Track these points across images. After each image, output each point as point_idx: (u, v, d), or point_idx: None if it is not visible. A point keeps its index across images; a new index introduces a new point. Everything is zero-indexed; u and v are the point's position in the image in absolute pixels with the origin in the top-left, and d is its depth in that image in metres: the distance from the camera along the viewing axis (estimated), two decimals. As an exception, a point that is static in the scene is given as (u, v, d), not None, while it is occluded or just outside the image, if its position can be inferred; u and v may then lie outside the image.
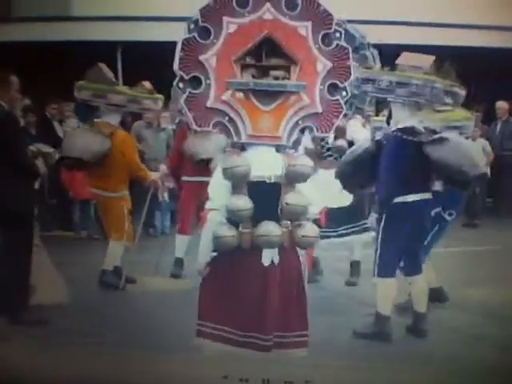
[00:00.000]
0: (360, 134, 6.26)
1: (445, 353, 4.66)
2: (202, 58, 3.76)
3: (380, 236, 4.98)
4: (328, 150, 6.44)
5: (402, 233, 4.91)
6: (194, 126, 3.89)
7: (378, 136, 5.20)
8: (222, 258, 3.85)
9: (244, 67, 3.83)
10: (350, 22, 5.81)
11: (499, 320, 5.40)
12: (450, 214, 5.63)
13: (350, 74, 3.87)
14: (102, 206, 6.44)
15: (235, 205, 3.73)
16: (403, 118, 4.95)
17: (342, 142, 6.29)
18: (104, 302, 5.81)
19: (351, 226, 6.39)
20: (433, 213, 5.20)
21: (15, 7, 10.47)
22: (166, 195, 7.63)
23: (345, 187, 5.46)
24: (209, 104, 3.79)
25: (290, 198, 3.76)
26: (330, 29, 3.84)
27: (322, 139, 6.37)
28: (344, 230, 6.41)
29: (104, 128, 6.11)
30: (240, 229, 3.76)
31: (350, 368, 3.84)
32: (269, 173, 3.78)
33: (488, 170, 7.67)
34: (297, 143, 5.00)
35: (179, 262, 6.54)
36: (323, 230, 6.35)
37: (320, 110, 3.85)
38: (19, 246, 5.02)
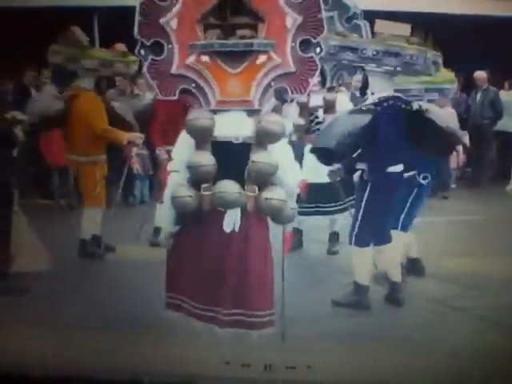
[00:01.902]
0: (348, 107, 6.24)
1: (422, 322, 4.72)
2: (162, 21, 3.59)
3: (363, 206, 4.94)
4: (317, 124, 6.41)
5: (382, 203, 4.90)
6: (160, 95, 3.71)
7: (365, 106, 4.99)
8: (185, 225, 3.71)
9: (208, 28, 3.66)
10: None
11: (476, 290, 5.45)
12: (425, 178, 5.56)
13: (323, 28, 3.69)
14: (77, 171, 6.39)
15: (196, 160, 3.57)
16: (381, 88, 4.89)
17: (331, 117, 6.27)
18: (83, 270, 5.81)
19: (338, 203, 6.40)
20: (405, 176, 5.10)
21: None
22: (139, 167, 7.42)
23: (325, 163, 5.28)
24: (173, 70, 3.63)
25: (257, 157, 3.60)
26: None
27: (312, 114, 6.35)
28: (331, 206, 6.43)
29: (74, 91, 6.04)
30: (202, 190, 3.59)
31: (351, 352, 3.86)
32: (236, 133, 3.63)
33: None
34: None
35: (159, 231, 6.53)
36: (310, 206, 6.40)
37: (293, 69, 3.68)
38: (-2, 213, 4.96)
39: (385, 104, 4.79)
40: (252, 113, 3.68)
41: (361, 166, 4.91)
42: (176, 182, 3.69)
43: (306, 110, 6.47)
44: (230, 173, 3.62)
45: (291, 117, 6.64)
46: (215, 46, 3.60)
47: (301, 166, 6.49)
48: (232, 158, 3.61)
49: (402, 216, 5.38)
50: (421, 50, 4.72)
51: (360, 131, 4.63)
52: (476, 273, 5.90)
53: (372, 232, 5.00)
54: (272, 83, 3.68)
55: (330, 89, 6.42)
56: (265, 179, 3.64)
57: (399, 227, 5.37)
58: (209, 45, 3.60)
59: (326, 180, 6.32)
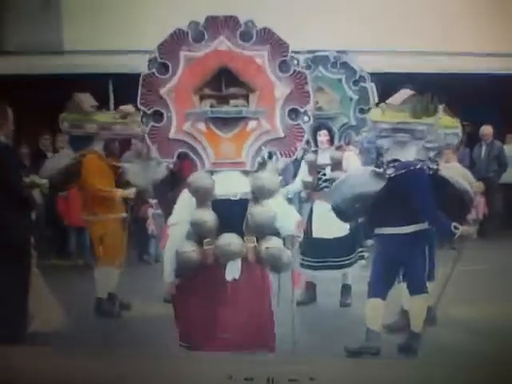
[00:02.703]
0: (356, 165, 6.43)
1: (433, 370, 4.78)
2: (161, 92, 3.91)
3: (372, 260, 5.17)
4: (325, 181, 6.59)
5: (393, 258, 5.05)
6: (159, 158, 4.06)
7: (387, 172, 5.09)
8: (188, 277, 3.94)
9: (203, 98, 3.96)
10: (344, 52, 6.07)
11: (485, 338, 5.50)
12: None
13: (310, 99, 3.99)
14: (90, 231, 6.54)
15: (199, 217, 3.84)
16: (398, 152, 5.02)
17: (338, 174, 6.45)
18: (100, 328, 5.88)
19: (348, 256, 6.51)
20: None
21: (6, 42, 10.69)
22: (154, 228, 7.58)
23: (344, 220, 5.49)
24: (171, 135, 3.94)
25: (254, 210, 3.89)
26: (286, 56, 3.95)
27: (319, 171, 6.54)
28: (341, 260, 6.52)
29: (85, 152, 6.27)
30: (204, 245, 3.86)
31: (354, 364, 3.92)
32: (234, 191, 3.91)
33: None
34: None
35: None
36: (320, 260, 6.54)
37: (282, 134, 3.98)
38: (18, 275, 5.12)
39: (407, 168, 4.96)
40: (246, 172, 3.99)
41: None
42: (177, 236, 3.94)
43: (314, 167, 6.67)
44: (229, 227, 3.88)
45: (300, 174, 6.85)
46: (209, 113, 3.92)
47: (310, 221, 6.73)
48: (231, 214, 3.88)
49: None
50: (429, 125, 4.89)
51: (372, 194, 4.88)
52: (485, 320, 6.00)
53: (407, 282, 5.17)
54: (263, 146, 4.00)
55: (339, 147, 6.63)
56: (263, 231, 3.91)
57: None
58: (203, 112, 3.92)
59: (334, 235, 6.48)
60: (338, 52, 6.70)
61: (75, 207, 6.60)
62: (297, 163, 7.36)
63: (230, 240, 3.85)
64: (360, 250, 6.51)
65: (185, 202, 3.96)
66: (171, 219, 4.04)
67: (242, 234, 3.91)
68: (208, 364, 3.80)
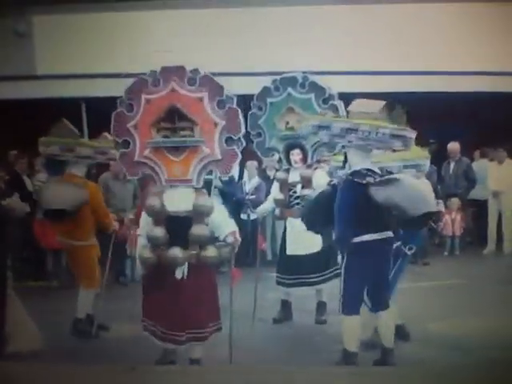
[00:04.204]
0: (325, 183, 6.55)
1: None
2: (128, 125, 5.01)
3: (342, 275, 5.16)
4: (296, 198, 6.71)
5: (363, 271, 5.06)
6: (128, 176, 5.26)
7: (334, 179, 5.46)
8: (151, 272, 5.07)
9: (159, 130, 5.00)
10: (312, 73, 6.29)
11: (461, 352, 5.60)
12: (410, 248, 5.80)
13: (241, 129, 4.94)
14: (70, 254, 6.57)
15: (153, 233, 5.01)
16: (356, 162, 5.12)
17: (308, 191, 6.56)
18: (76, 348, 5.91)
19: (321, 273, 6.57)
20: (393, 247, 5.31)
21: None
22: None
23: (308, 228, 5.61)
24: (136, 159, 5.04)
25: (194, 230, 4.96)
26: (222, 96, 4.92)
27: (290, 189, 6.68)
28: (315, 277, 6.59)
29: (73, 180, 6.29)
30: (158, 252, 4.97)
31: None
32: (181, 208, 4.96)
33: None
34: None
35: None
36: (294, 277, 6.62)
37: (219, 157, 4.96)
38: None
39: (343, 177, 5.12)
40: (195, 189, 5.01)
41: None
42: (142, 244, 5.12)
43: (285, 185, 6.78)
44: (177, 238, 4.97)
45: (272, 192, 6.96)
46: (160, 143, 5.00)
47: (284, 239, 6.82)
48: (179, 227, 4.96)
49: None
50: (374, 125, 4.95)
51: (314, 202, 5.21)
52: (458, 334, 6.08)
53: (370, 299, 5.18)
54: (205, 167, 5.00)
55: (309, 166, 6.74)
56: (201, 243, 5.00)
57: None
58: (157, 142, 5.01)
59: (308, 252, 6.58)
60: (304, 72, 6.82)
61: (51, 229, 6.61)
62: (270, 184, 7.47)
63: (175, 253, 4.94)
64: (335, 268, 6.54)
65: (144, 219, 5.13)
66: (138, 231, 5.25)
67: (187, 244, 4.96)
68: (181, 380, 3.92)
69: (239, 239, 5.12)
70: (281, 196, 6.77)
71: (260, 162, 10.14)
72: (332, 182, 5.36)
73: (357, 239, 5.03)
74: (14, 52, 10.25)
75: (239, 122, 4.93)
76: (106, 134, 6.33)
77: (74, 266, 6.59)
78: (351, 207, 5.02)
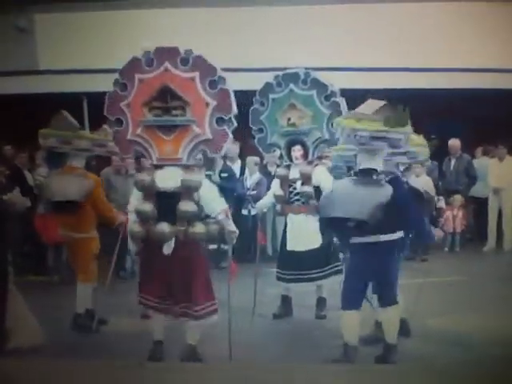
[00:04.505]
0: (325, 179, 6.56)
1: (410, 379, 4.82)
2: (121, 104, 5.10)
3: (345, 272, 5.24)
4: (296, 194, 6.71)
5: (365, 268, 5.08)
6: (122, 155, 5.44)
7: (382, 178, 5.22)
8: (142, 248, 5.23)
9: (151, 109, 5.08)
10: (314, 69, 6.28)
11: (461, 348, 5.61)
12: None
13: (231, 109, 4.98)
14: (70, 248, 6.58)
15: (140, 208, 5.10)
16: (362, 162, 5.14)
17: (308, 188, 6.57)
18: (77, 343, 5.93)
19: (321, 269, 6.58)
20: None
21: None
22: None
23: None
24: (128, 137, 5.14)
25: (181, 205, 5.02)
26: (214, 76, 4.95)
27: (290, 185, 6.68)
28: (314, 273, 6.60)
29: (74, 171, 6.29)
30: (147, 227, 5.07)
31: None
32: (170, 185, 5.04)
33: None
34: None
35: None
36: (294, 273, 6.63)
37: (210, 136, 5.02)
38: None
39: (388, 177, 5.10)
40: (184, 167, 5.07)
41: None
42: (132, 220, 5.21)
43: (286, 181, 6.78)
44: (166, 214, 5.06)
45: (272, 188, 6.97)
46: (152, 121, 5.08)
47: (284, 235, 6.83)
48: (168, 203, 5.04)
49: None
50: (353, 129, 4.98)
51: (386, 203, 4.95)
52: (459, 331, 6.10)
53: (378, 294, 5.22)
54: (196, 146, 5.06)
55: (309, 162, 6.75)
56: (189, 219, 5.05)
57: None
58: (149, 121, 5.09)
59: (308, 248, 6.59)
60: (306, 69, 6.82)
61: (52, 223, 6.61)
62: (271, 180, 7.48)
63: (162, 228, 5.02)
64: (336, 264, 6.57)
65: (134, 195, 5.22)
66: (128, 207, 5.33)
67: (175, 220, 5.02)
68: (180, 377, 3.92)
69: (230, 217, 5.21)
70: (281, 192, 6.78)
71: (261, 158, 10.15)
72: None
73: (356, 240, 5.06)
74: (16, 47, 10.28)
75: (230, 103, 4.97)
76: (105, 126, 6.33)
77: (72, 259, 6.59)
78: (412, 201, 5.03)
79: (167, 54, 5.00)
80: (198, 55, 4.98)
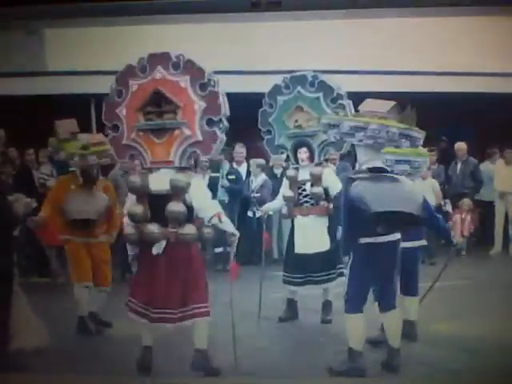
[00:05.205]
0: (333, 181, 6.55)
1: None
2: (117, 111, 5.19)
3: (348, 274, 5.16)
4: (305, 196, 6.70)
5: (368, 270, 5.05)
6: (116, 158, 5.40)
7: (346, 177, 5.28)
8: (139, 251, 5.19)
9: (145, 114, 5.15)
10: (321, 72, 6.24)
11: (468, 353, 5.56)
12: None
13: (221, 111, 5.01)
14: (68, 250, 6.57)
15: (132, 209, 5.10)
16: (365, 160, 5.10)
17: (318, 189, 6.55)
18: (82, 345, 5.94)
19: (328, 271, 6.57)
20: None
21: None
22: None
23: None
24: (123, 142, 5.21)
25: (170, 206, 5.01)
26: (204, 79, 5.01)
27: (299, 187, 6.66)
28: (322, 275, 6.58)
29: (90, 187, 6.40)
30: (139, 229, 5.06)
31: None
32: (162, 187, 5.02)
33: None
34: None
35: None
36: (301, 276, 6.61)
37: (200, 138, 5.04)
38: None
39: (370, 174, 5.02)
40: (177, 170, 5.08)
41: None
42: (126, 222, 5.18)
43: (295, 183, 6.77)
44: (157, 216, 5.05)
45: (281, 190, 6.95)
46: (144, 126, 5.14)
47: (292, 237, 6.81)
48: (161, 205, 5.01)
49: (402, 281, 5.55)
50: (383, 124, 4.96)
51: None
52: (465, 336, 6.06)
53: (378, 299, 5.16)
54: (187, 148, 5.08)
55: (318, 164, 6.75)
56: (178, 220, 5.02)
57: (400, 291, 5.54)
58: (141, 125, 5.15)
59: (317, 250, 6.57)
60: (314, 71, 6.82)
61: (53, 228, 6.63)
62: (277, 182, 7.46)
63: (152, 229, 5.03)
64: (340, 266, 6.54)
65: (129, 198, 5.24)
66: (123, 210, 5.37)
67: (166, 222, 5.00)
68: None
69: (224, 219, 5.16)
70: (291, 193, 6.76)
71: (267, 160, 10.14)
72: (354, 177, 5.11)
73: (365, 240, 5.02)
74: (25, 49, 10.30)
75: (220, 104, 4.99)
76: (94, 134, 6.54)
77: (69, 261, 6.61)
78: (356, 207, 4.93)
79: (159, 59, 5.09)
80: (188, 59, 5.05)
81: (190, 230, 5.06)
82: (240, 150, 10.19)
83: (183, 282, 5.05)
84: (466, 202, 10.66)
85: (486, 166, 11.23)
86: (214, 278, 5.62)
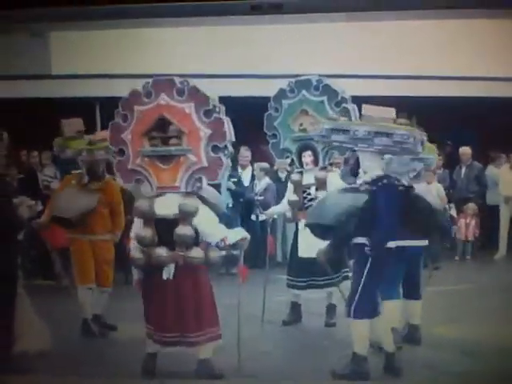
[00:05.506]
0: (338, 185, 6.54)
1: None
2: (123, 135, 5.20)
3: (363, 280, 5.03)
4: (310, 200, 6.69)
5: (384, 276, 5.06)
6: (122, 183, 5.44)
7: (365, 186, 5.14)
8: (145, 275, 5.19)
9: (150, 139, 5.18)
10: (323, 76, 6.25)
11: (471, 357, 5.56)
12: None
13: (226, 137, 5.04)
14: (74, 251, 6.55)
15: (140, 233, 5.13)
16: (375, 166, 5.08)
17: (323, 193, 6.54)
18: (86, 348, 5.95)
19: (332, 276, 6.47)
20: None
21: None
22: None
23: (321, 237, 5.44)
24: (129, 167, 5.23)
25: (178, 230, 5.05)
26: (208, 106, 5.03)
27: (304, 191, 6.66)
28: (325, 280, 6.54)
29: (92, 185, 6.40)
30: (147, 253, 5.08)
31: None
32: (169, 212, 5.06)
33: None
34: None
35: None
36: (305, 280, 6.61)
37: (206, 164, 5.08)
38: (3, 295, 5.14)
39: (379, 183, 5.04)
40: (184, 194, 5.11)
41: (361, 240, 5.05)
42: (133, 246, 5.21)
43: (299, 187, 6.77)
44: (165, 240, 5.09)
45: (286, 194, 6.95)
46: (149, 152, 5.17)
47: (296, 241, 6.81)
48: (167, 229, 5.06)
49: (405, 285, 5.62)
50: (411, 130, 4.97)
51: (359, 209, 4.91)
52: (469, 339, 6.05)
53: (370, 304, 5.10)
54: (193, 174, 5.11)
55: (322, 168, 6.75)
56: (186, 244, 5.08)
57: (401, 295, 5.61)
58: (147, 151, 5.18)
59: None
60: (319, 75, 6.83)
61: (58, 230, 6.65)
62: (281, 186, 7.46)
63: (160, 253, 5.06)
64: (345, 270, 6.53)
65: (136, 221, 5.26)
66: (130, 234, 5.35)
67: (173, 246, 5.05)
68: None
69: (230, 243, 5.16)
70: (295, 197, 6.76)
71: (271, 164, 10.14)
72: (363, 188, 5.11)
73: (391, 244, 5.02)
74: (29, 52, 10.32)
75: (225, 131, 5.04)
76: (100, 132, 6.47)
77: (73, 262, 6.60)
78: (394, 211, 4.99)
79: (163, 85, 5.11)
80: (192, 86, 5.06)
81: (197, 253, 5.11)
82: (245, 153, 10.20)
83: (194, 306, 5.08)
84: (471, 206, 10.65)
85: (490, 170, 11.23)
86: (217, 281, 5.61)
